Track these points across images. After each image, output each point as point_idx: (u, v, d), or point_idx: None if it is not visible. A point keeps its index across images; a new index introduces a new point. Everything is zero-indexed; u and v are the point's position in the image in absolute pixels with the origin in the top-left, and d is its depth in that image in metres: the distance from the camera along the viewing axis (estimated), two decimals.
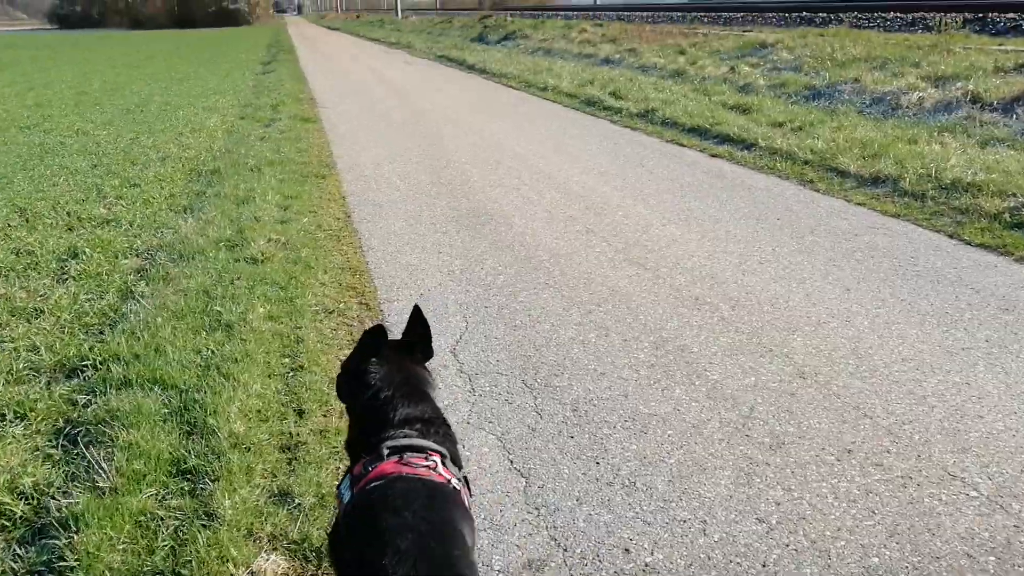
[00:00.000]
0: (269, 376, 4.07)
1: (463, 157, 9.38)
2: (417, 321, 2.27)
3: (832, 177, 7.31)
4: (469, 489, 1.96)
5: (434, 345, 2.30)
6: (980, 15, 15.81)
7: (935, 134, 8.02)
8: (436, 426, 2.02)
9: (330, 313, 4.98)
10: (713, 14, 26.57)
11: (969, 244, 5.48)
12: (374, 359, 2.10)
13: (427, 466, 1.83)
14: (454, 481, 1.85)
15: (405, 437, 1.92)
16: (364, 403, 2.04)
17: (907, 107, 9.24)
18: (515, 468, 3.24)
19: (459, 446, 2.16)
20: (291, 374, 4.11)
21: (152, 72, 25.05)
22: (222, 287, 5.26)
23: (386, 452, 1.86)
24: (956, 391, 3.58)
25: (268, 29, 72.61)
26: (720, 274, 5.21)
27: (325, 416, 3.70)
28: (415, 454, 1.86)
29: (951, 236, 5.65)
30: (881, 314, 4.42)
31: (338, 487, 1.93)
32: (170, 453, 3.32)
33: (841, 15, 19.85)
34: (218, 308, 4.87)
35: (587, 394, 3.78)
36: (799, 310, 4.55)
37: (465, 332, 4.57)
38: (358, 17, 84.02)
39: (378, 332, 2.10)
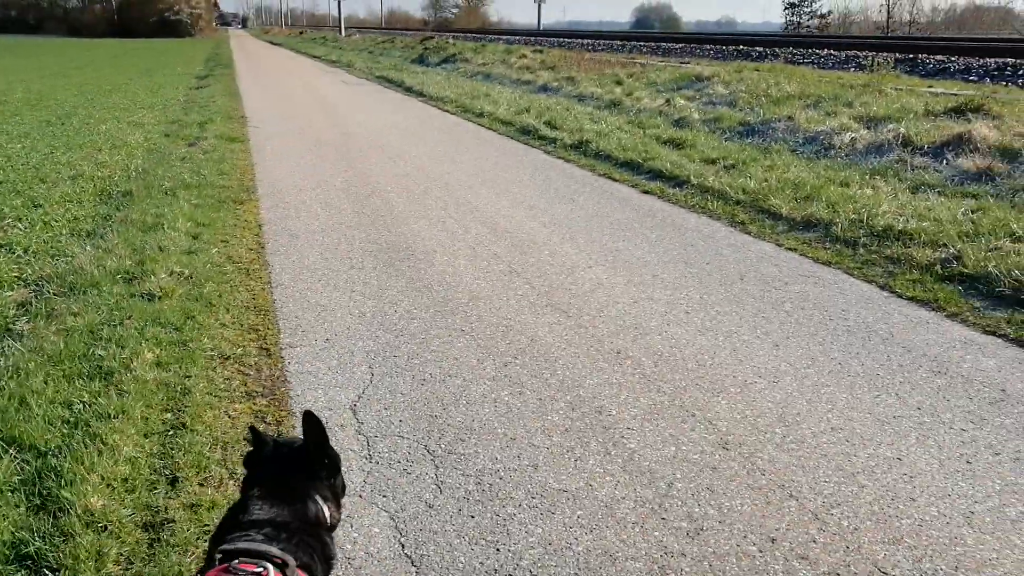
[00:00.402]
0: (145, 435, 3.68)
1: (390, 185, 9.05)
2: (311, 428, 2.07)
3: (764, 219, 7.15)
4: None
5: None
6: (911, 55, 16.07)
7: (867, 177, 7.93)
8: (291, 532, 1.85)
9: (226, 360, 4.59)
10: (653, 44, 26.76)
11: (900, 297, 5.31)
12: (253, 460, 2.06)
13: (256, 573, 1.67)
14: None
15: (244, 541, 1.78)
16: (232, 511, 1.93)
17: (839, 148, 9.17)
18: (406, 553, 2.90)
19: (333, 549, 2.00)
20: (171, 433, 3.72)
21: (81, 82, 24.28)
22: (110, 327, 4.84)
23: (218, 557, 1.73)
24: (887, 467, 3.35)
25: (209, 42, 71.43)
26: (645, 323, 4.95)
27: (202, 485, 3.32)
28: (247, 560, 1.71)
29: (883, 287, 5.49)
30: (810, 375, 4.20)
31: None
32: (11, 533, 2.91)
33: (777, 50, 20.07)
34: (101, 352, 4.45)
35: (494, 464, 3.46)
36: (725, 367, 4.31)
37: (369, 386, 4.22)
38: (301, 34, 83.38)
39: (254, 433, 2.07)
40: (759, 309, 5.14)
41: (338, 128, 13.86)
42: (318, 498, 2.02)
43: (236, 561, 1.71)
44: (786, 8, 48.40)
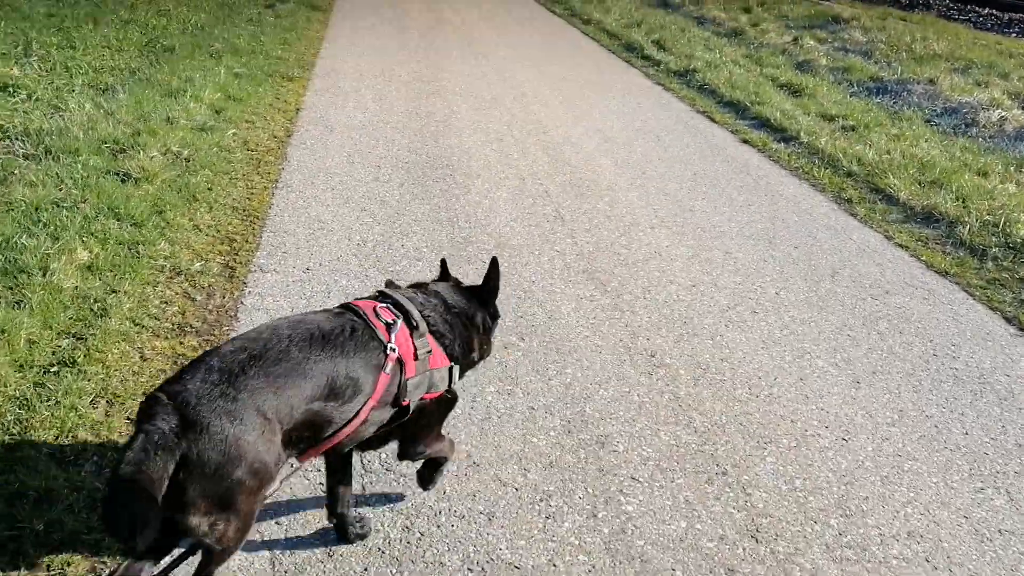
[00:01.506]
0: (20, 367, 2.87)
1: (459, 86, 8.03)
2: (493, 273, 2.43)
3: (876, 200, 5.94)
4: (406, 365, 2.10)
5: None
6: None
7: (1012, 169, 6.58)
8: (453, 315, 2.31)
9: (176, 275, 3.77)
10: None
11: None
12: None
13: (386, 321, 2.12)
14: (392, 345, 2.07)
15: (404, 296, 2.24)
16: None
17: (984, 126, 7.75)
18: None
19: (475, 358, 2.42)
20: (53, 370, 2.91)
21: None
22: (55, 209, 4.04)
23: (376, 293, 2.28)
24: None
25: None
26: (697, 319, 3.93)
27: (53, 455, 2.50)
28: (392, 309, 2.17)
29: (1010, 320, 4.32)
30: (894, 437, 3.15)
31: None
32: None
33: (931, 0, 17.97)
34: (26, 241, 3.65)
35: (436, 504, 2.56)
36: (784, 404, 3.29)
37: None
38: None
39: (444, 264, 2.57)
40: (846, 323, 4.06)
41: (434, 12, 12.76)
42: (479, 316, 2.40)
43: (381, 305, 2.15)
44: None
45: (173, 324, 3.36)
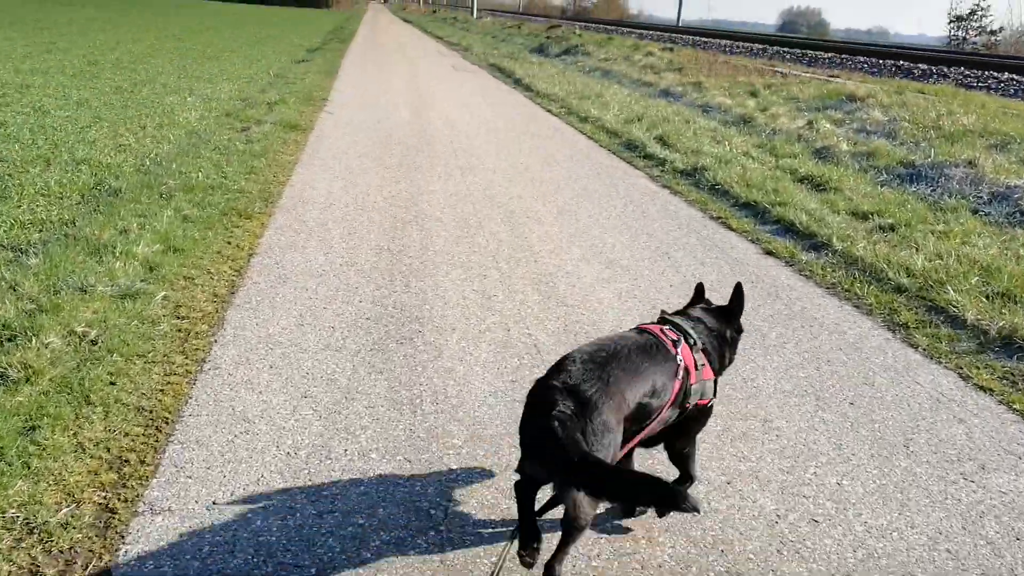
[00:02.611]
0: None
1: (441, 211, 7.17)
2: (738, 296, 3.01)
3: (937, 324, 4.92)
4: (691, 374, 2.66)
5: None
6: None
7: None
8: (711, 333, 2.87)
9: (28, 534, 2.79)
10: (797, 51, 24.04)
11: None
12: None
13: (672, 339, 2.67)
14: (679, 358, 2.61)
15: (680, 318, 2.86)
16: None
17: None
18: None
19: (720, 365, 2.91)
20: None
21: (189, 46, 23.37)
22: None
23: (659, 319, 2.85)
24: None
25: (343, 15, 71.68)
26: (740, 540, 2.87)
27: None
28: (669, 328, 2.74)
29: None
30: None
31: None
32: None
33: (945, 69, 17.26)
34: None
35: None
36: None
37: None
38: (434, 12, 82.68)
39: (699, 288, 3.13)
40: (940, 527, 2.98)
41: (420, 122, 12.07)
42: (728, 333, 2.95)
43: (666, 328, 2.74)
44: (951, 21, 43.20)
45: None
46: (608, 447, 2.25)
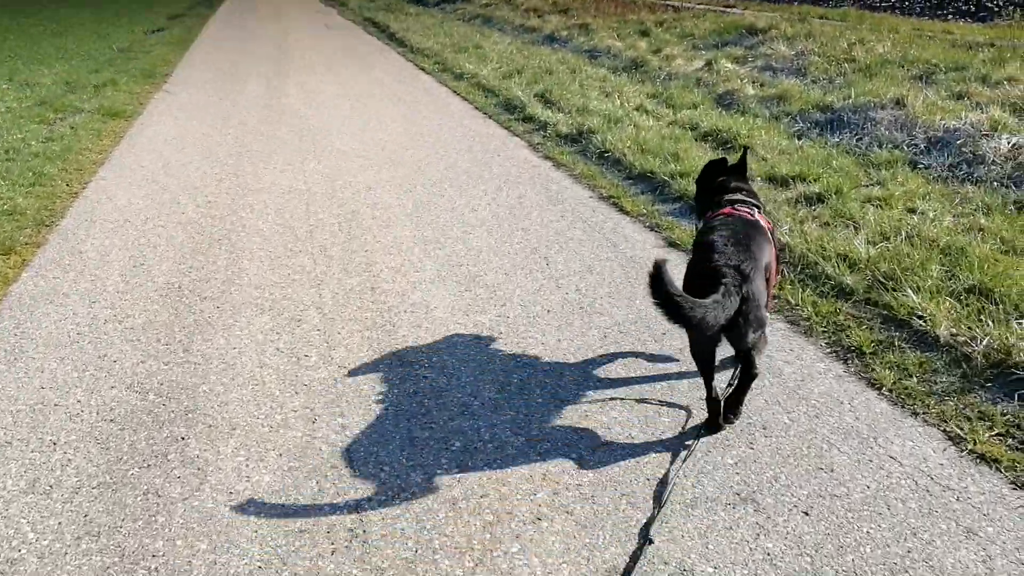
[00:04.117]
0: None
1: (263, 216, 5.66)
2: (745, 159, 3.58)
3: (902, 344, 3.66)
4: (773, 228, 3.31)
5: None
6: None
7: None
8: (752, 196, 3.39)
9: None
10: None
11: None
12: (715, 176, 3.54)
13: (747, 211, 3.19)
14: (762, 221, 3.16)
15: (742, 194, 3.35)
16: (712, 190, 3.47)
17: (994, 163, 5.56)
18: None
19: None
20: None
21: (34, 23, 20.87)
22: None
23: (726, 205, 3.26)
24: None
25: None
26: None
27: None
28: (742, 206, 3.23)
29: None
30: None
31: (697, 224, 3.46)
32: None
33: None
34: None
35: None
36: None
37: None
38: None
39: (716, 163, 3.60)
40: None
41: (271, 95, 10.39)
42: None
43: (743, 206, 3.26)
44: None
45: None
46: (761, 301, 2.82)
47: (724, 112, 7.83)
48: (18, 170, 6.64)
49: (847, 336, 3.74)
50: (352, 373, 3.57)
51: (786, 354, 3.64)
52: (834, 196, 5.27)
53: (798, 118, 7.28)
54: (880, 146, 6.26)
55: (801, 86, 8.20)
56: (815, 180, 5.60)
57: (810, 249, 4.51)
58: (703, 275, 2.78)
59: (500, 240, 5.12)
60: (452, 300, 4.27)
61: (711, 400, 3.01)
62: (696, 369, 3.08)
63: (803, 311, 4.01)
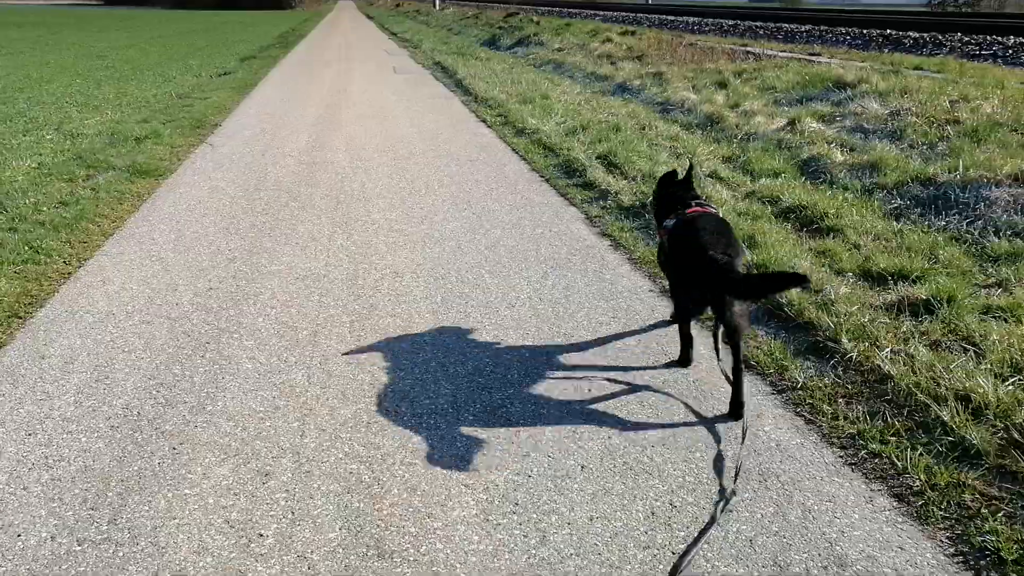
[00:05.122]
0: None
1: (261, 318, 4.92)
2: (691, 172, 4.34)
3: None
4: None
5: None
6: None
7: None
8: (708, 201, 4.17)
9: None
10: (771, 25, 21.75)
11: None
12: (669, 186, 4.23)
13: (713, 209, 3.94)
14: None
15: (697, 202, 3.98)
16: (668, 197, 4.11)
17: None
18: None
19: None
20: None
21: (105, 65, 21.14)
22: None
23: (693, 204, 3.92)
24: None
25: (305, 15, 69.19)
26: None
27: None
28: (708, 205, 3.95)
29: None
30: None
31: (663, 226, 4.00)
32: None
33: (939, 36, 14.93)
34: None
35: None
36: None
37: None
38: (398, 6, 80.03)
39: (670, 175, 4.28)
40: None
41: (316, 151, 9.80)
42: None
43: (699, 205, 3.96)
44: None
45: None
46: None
47: (809, 182, 6.91)
48: (14, 243, 6.09)
49: (977, 528, 2.80)
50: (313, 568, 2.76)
51: (895, 554, 2.72)
52: (945, 304, 4.31)
53: (895, 193, 6.33)
54: (997, 233, 5.27)
55: (897, 152, 7.23)
56: (919, 279, 4.65)
57: (919, 384, 3.58)
58: (704, 260, 3.46)
59: (535, 353, 4.30)
60: (461, 450, 3.45)
61: (687, 336, 4.04)
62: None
63: (913, 479, 3.09)
